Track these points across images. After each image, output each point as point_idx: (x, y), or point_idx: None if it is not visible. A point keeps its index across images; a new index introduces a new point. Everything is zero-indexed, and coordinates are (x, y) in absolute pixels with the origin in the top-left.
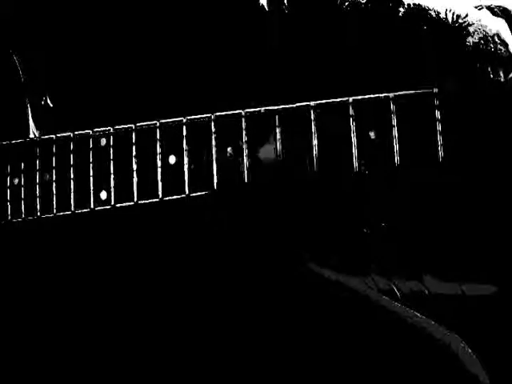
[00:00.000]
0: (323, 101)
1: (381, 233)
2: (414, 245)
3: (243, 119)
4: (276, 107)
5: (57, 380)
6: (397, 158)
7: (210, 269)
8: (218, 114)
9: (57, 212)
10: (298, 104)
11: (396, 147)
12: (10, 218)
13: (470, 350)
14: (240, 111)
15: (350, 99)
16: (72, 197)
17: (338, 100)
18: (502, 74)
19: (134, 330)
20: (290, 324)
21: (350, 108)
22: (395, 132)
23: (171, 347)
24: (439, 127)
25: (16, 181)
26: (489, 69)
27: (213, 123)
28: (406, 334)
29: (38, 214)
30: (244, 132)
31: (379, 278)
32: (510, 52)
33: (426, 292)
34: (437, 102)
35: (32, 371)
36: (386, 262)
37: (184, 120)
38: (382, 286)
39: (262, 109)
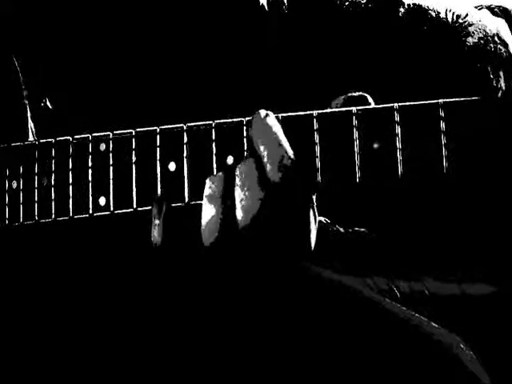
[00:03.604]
0: (326, 110)
1: (381, 234)
2: (415, 245)
3: (244, 127)
4: (279, 115)
5: (57, 380)
6: (400, 169)
7: (210, 274)
8: (218, 121)
9: (55, 217)
10: (301, 113)
11: (399, 157)
12: (8, 222)
13: (470, 351)
14: (241, 119)
15: (354, 109)
16: (71, 202)
17: (343, 110)
18: (501, 75)
19: (133, 334)
20: (290, 325)
21: (354, 118)
22: (399, 143)
23: (170, 350)
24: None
25: (14, 184)
26: (489, 69)
27: (213, 130)
28: (407, 334)
29: (36, 218)
30: (245, 140)
31: (379, 278)
32: (509, 52)
33: (426, 292)
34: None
35: (31, 372)
36: (386, 262)
37: (184, 126)
38: (382, 287)
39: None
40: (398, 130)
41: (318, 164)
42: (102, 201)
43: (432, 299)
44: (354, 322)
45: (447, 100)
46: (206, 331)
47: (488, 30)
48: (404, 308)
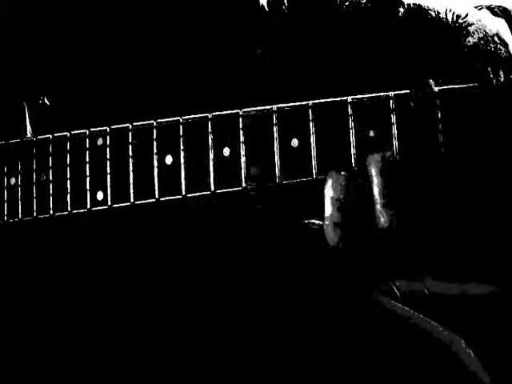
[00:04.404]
0: (322, 100)
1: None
2: (415, 245)
3: (240, 119)
4: (274, 106)
5: (57, 380)
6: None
7: (208, 271)
8: (214, 113)
9: (53, 212)
10: (296, 103)
11: (395, 144)
12: (6, 218)
13: (470, 351)
14: (237, 111)
15: (349, 98)
16: (69, 197)
17: (337, 99)
18: (502, 74)
19: (132, 330)
20: (290, 324)
21: (349, 107)
22: (394, 130)
23: (169, 348)
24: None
25: (13, 181)
26: (489, 69)
27: (209, 123)
28: (407, 334)
29: (35, 214)
30: (241, 132)
31: (379, 278)
32: (509, 52)
33: (426, 292)
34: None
35: (29, 372)
36: (386, 261)
37: (180, 119)
38: (382, 287)
39: (260, 108)
40: (394, 118)
41: (314, 154)
42: (100, 195)
43: (432, 299)
44: (353, 321)
45: (443, 88)
46: (203, 330)
47: (488, 30)
48: (404, 307)
